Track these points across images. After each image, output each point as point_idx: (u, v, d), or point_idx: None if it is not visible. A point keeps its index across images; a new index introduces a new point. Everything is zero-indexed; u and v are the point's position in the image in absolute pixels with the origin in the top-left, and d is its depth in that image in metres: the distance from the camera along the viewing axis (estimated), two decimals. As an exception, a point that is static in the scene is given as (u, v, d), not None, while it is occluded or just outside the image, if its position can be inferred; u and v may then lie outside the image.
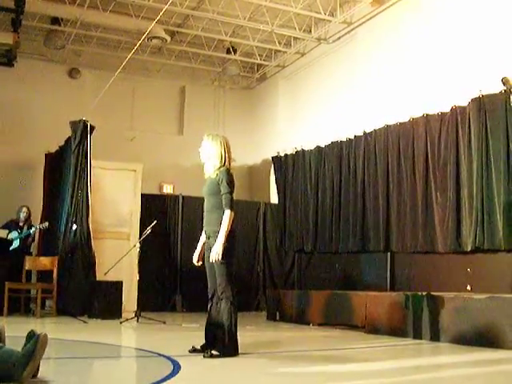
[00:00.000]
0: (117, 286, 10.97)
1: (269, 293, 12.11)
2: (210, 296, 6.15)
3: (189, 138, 15.19)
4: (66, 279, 11.29)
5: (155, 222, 10.26)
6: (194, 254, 6.32)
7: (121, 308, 10.85)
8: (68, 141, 12.41)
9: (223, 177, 6.01)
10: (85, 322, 10.06)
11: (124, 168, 12.61)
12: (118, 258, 10.58)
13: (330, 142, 13.02)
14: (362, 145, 12.07)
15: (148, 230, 10.16)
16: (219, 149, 6.12)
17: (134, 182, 12.56)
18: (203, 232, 6.27)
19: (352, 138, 12.41)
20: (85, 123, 11.86)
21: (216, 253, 5.86)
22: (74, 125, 12.02)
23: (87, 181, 11.62)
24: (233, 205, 5.99)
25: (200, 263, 6.30)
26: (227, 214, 5.94)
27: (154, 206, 13.12)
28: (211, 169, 6.14)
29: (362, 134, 12.12)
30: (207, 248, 6.12)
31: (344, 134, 12.61)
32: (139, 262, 10.34)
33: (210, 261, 5.95)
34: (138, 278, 10.46)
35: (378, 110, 11.97)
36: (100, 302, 10.76)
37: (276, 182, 14.61)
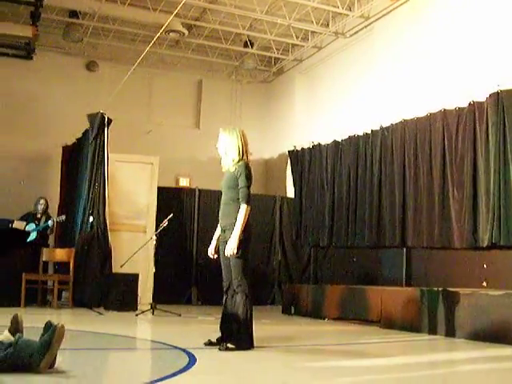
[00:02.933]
0: (133, 279, 10.97)
1: (284, 287, 12.04)
2: (225, 289, 6.12)
3: (205, 131, 15.16)
4: (82, 271, 11.30)
5: (171, 215, 10.23)
6: (210, 247, 6.32)
7: (136, 300, 10.85)
8: (85, 133, 12.40)
9: (242, 170, 5.98)
10: (100, 313, 10.04)
11: (141, 161, 12.56)
12: (135, 251, 10.55)
13: (346, 137, 12.91)
14: (379, 139, 11.96)
15: (164, 223, 10.12)
16: (237, 142, 6.09)
17: (151, 175, 12.49)
18: (219, 225, 6.25)
19: (369, 132, 12.29)
20: (102, 116, 11.85)
21: (231, 247, 5.84)
22: (91, 117, 12.00)
23: (104, 173, 11.62)
24: (250, 199, 5.96)
25: (216, 256, 6.29)
26: (244, 208, 5.89)
27: (171, 200, 13.03)
28: (230, 163, 6.11)
29: (378, 128, 12.01)
30: (223, 241, 6.10)
31: (361, 128, 12.48)
32: (155, 255, 10.33)
33: (226, 254, 5.93)
34: (153, 271, 10.38)
35: (396, 104, 11.86)
36: (116, 294, 10.75)
37: (292, 176, 14.47)
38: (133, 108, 15.45)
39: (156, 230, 10.57)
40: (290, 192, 14.59)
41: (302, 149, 14.25)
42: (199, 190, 13.64)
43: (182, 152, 15.18)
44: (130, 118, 14.92)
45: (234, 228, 5.86)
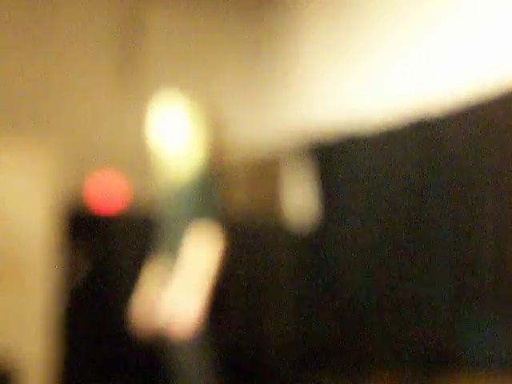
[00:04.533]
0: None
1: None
2: None
3: (141, 92, 10.14)
4: None
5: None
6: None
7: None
8: None
9: (206, 181, 4.83)
10: None
11: (19, 151, 8.46)
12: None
13: (407, 116, 9.08)
14: (467, 123, 8.53)
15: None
16: (197, 125, 4.87)
17: (40, 181, 8.51)
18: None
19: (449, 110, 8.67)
20: None
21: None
22: None
23: None
24: (223, 235, 4.77)
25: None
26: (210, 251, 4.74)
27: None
28: (183, 164, 4.84)
29: (472, 97, 8.46)
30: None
31: (434, 103, 8.82)
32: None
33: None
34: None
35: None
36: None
37: (307, 193, 10.32)
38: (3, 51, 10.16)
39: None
40: (299, 220, 10.35)
41: (324, 138, 10.04)
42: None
43: (101, 134, 10.23)
44: None
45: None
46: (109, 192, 9.71)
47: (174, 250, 4.90)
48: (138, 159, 10.21)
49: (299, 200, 10.49)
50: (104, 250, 9.40)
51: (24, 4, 10.15)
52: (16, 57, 10.10)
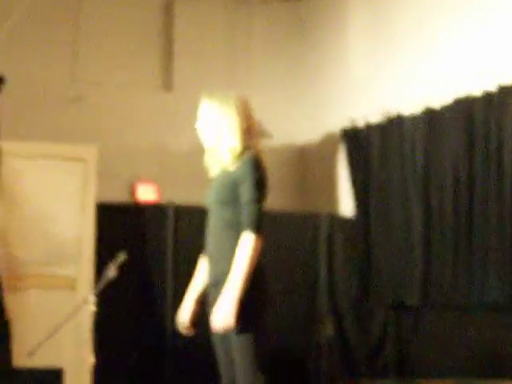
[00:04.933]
0: (52, 377, 8.11)
1: None
2: None
3: (182, 95, 10.17)
4: None
5: (124, 257, 6.62)
6: (180, 314, 4.82)
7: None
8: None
9: (246, 171, 4.51)
10: None
11: (63, 155, 8.67)
12: (54, 325, 7.14)
13: (451, 101, 8.88)
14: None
15: (110, 273, 6.71)
16: (236, 120, 4.63)
17: (83, 180, 8.73)
18: (200, 271, 4.80)
19: (494, 90, 8.49)
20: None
21: (225, 314, 4.30)
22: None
23: None
24: (260, 224, 4.43)
25: (192, 331, 4.79)
26: (248, 241, 4.35)
27: (122, 227, 9.22)
28: (224, 156, 4.64)
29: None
30: (213, 304, 4.49)
31: (477, 84, 8.66)
32: (95, 332, 6.98)
33: (215, 329, 4.41)
34: (92, 362, 6.87)
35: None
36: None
37: (350, 177, 10.18)
38: (44, 57, 10.18)
39: (96, 285, 7.26)
40: (346, 206, 10.53)
41: (368, 125, 9.97)
42: (176, 206, 9.41)
43: (141, 137, 10.33)
44: (38, 74, 9.96)
45: (230, 279, 4.35)
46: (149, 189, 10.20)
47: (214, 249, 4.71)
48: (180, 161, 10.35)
49: (344, 190, 10.62)
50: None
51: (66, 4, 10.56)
52: (53, 64, 10.36)
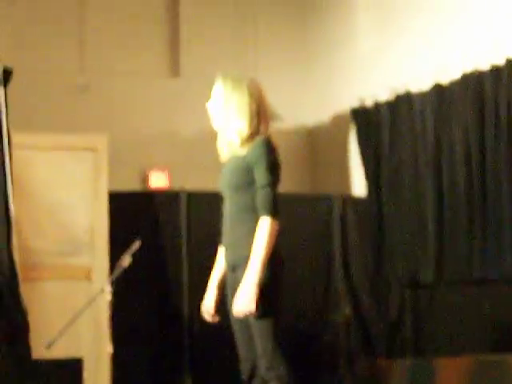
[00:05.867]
0: (72, 368, 8.01)
1: (358, 364, 9.19)
2: (245, 377, 4.64)
3: (192, 81, 10.20)
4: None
5: (138, 243, 6.79)
6: (205, 301, 4.82)
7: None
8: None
9: (259, 154, 4.48)
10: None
11: (73, 145, 8.64)
12: (71, 315, 7.29)
13: (460, 76, 8.84)
14: None
15: (125, 262, 6.82)
16: (248, 101, 4.60)
17: (95, 170, 8.71)
18: (220, 258, 4.79)
19: (502, 64, 8.46)
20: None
21: (247, 300, 4.33)
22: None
23: (5, 172, 7.88)
24: (277, 207, 4.44)
25: (216, 318, 4.80)
26: (266, 225, 4.37)
27: (135, 215, 9.20)
28: (235, 140, 4.60)
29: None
30: (231, 288, 4.56)
31: (485, 58, 8.61)
32: (112, 321, 6.91)
33: (236, 314, 4.47)
34: (110, 351, 6.92)
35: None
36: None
37: (361, 156, 10.12)
38: (51, 47, 10.18)
39: (111, 274, 7.37)
40: (358, 186, 10.49)
41: (377, 103, 9.92)
42: (188, 193, 9.40)
43: (151, 124, 10.33)
44: (46, 64, 9.97)
45: (250, 264, 4.34)
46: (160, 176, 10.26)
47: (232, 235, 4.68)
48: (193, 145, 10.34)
49: (355, 169, 10.64)
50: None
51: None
52: (60, 53, 10.37)
